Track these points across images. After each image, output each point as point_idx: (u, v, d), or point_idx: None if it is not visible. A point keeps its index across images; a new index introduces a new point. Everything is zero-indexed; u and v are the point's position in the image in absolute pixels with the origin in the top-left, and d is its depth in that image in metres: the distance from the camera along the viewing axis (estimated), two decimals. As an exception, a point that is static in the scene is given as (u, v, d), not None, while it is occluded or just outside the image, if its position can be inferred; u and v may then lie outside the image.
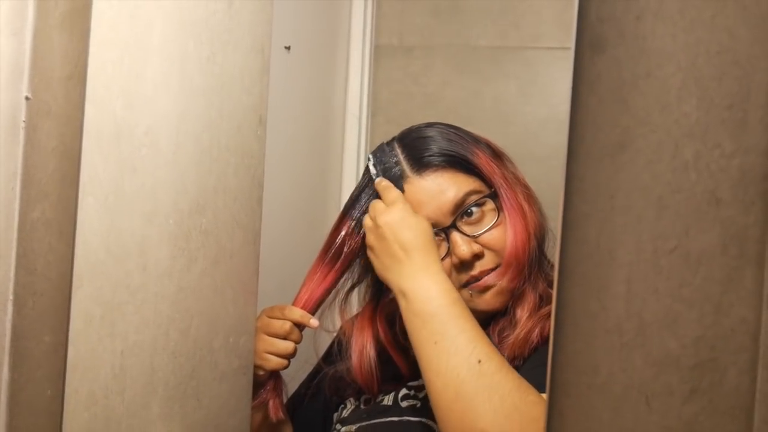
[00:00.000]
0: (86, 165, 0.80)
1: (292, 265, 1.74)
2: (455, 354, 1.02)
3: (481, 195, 1.25)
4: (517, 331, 1.21)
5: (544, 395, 0.65)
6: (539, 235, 1.28)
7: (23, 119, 0.74)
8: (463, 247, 1.22)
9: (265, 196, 1.23)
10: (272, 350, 1.28)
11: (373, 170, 1.28)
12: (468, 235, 1.23)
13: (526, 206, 1.27)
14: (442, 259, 1.24)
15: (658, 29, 0.61)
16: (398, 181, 1.25)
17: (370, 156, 1.30)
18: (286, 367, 1.31)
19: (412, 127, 1.34)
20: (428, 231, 1.16)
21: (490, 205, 1.26)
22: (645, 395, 0.59)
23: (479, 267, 1.24)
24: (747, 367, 0.57)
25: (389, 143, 1.32)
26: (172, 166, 0.97)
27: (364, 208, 1.27)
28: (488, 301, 1.25)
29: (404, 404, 1.31)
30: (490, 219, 1.25)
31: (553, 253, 1.31)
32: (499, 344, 1.22)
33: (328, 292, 1.32)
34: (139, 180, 0.90)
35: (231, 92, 1.09)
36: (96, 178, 0.82)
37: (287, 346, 1.29)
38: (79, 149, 0.78)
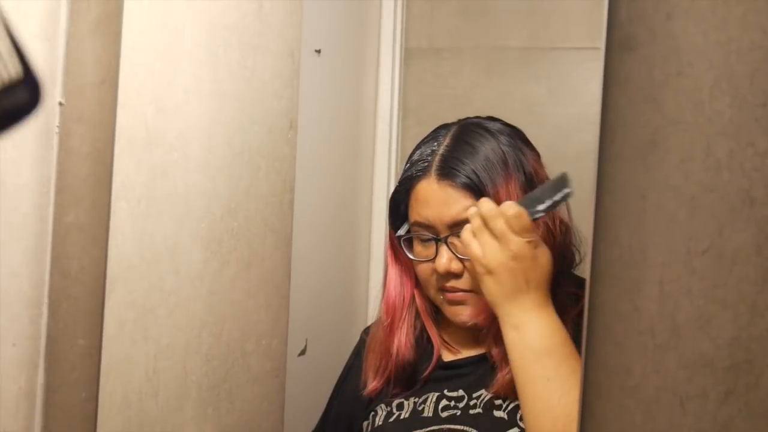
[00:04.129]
0: (118, 170, 0.81)
1: (323, 270, 1.74)
2: (567, 393, 1.05)
3: None
4: (503, 372, 1.21)
5: None
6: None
7: (57, 125, 0.75)
8: (443, 260, 1.23)
9: (296, 199, 1.23)
10: None
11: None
12: (455, 253, 1.23)
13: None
14: (426, 261, 1.26)
15: (689, 27, 0.61)
16: (420, 172, 1.25)
17: None
18: None
19: (480, 121, 1.31)
20: (550, 268, 1.15)
21: None
22: (679, 397, 0.59)
23: (452, 283, 1.25)
24: (783, 368, 0.57)
25: (447, 126, 1.31)
26: (203, 171, 0.97)
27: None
28: (457, 314, 1.26)
29: (444, 414, 1.30)
30: None
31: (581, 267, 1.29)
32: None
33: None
34: (170, 184, 0.91)
35: (262, 96, 1.10)
36: (128, 182, 0.83)
37: None
38: (112, 154, 0.78)
